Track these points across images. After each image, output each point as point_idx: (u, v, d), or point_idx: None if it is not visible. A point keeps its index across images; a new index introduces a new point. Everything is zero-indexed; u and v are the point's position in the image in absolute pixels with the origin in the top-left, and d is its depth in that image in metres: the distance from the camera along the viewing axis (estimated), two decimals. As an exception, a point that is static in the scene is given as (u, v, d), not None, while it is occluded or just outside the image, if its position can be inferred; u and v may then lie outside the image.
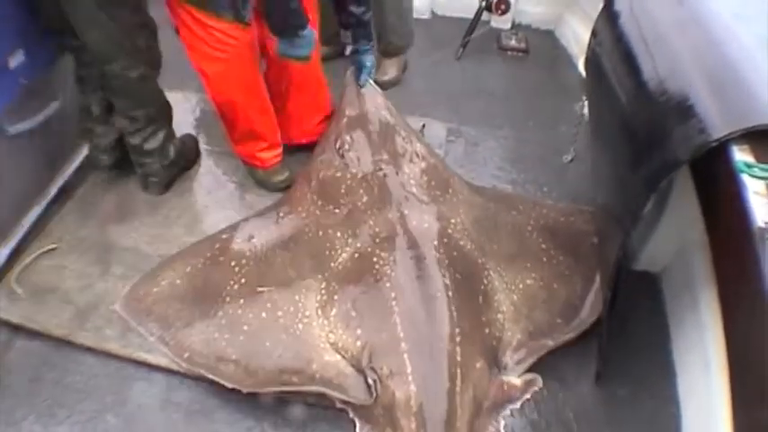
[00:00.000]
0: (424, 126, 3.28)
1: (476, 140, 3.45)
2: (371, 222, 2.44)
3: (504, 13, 4.14)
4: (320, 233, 2.51)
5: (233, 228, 2.68)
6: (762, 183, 1.71)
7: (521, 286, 2.45)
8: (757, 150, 1.80)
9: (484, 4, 4.07)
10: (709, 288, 2.09)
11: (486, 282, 2.39)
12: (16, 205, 2.74)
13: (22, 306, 2.48)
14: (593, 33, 2.73)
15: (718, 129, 1.81)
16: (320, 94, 3.10)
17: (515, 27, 4.47)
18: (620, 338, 2.35)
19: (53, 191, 2.93)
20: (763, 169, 1.72)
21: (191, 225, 2.87)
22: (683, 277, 2.41)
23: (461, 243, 2.45)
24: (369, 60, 2.88)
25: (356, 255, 2.39)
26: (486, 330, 2.24)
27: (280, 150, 3.05)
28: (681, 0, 2.52)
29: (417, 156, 2.67)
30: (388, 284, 2.24)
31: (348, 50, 2.93)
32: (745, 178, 1.72)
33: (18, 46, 2.48)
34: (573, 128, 3.26)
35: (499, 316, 2.32)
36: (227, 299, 2.38)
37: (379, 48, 3.75)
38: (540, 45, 4.34)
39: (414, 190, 2.54)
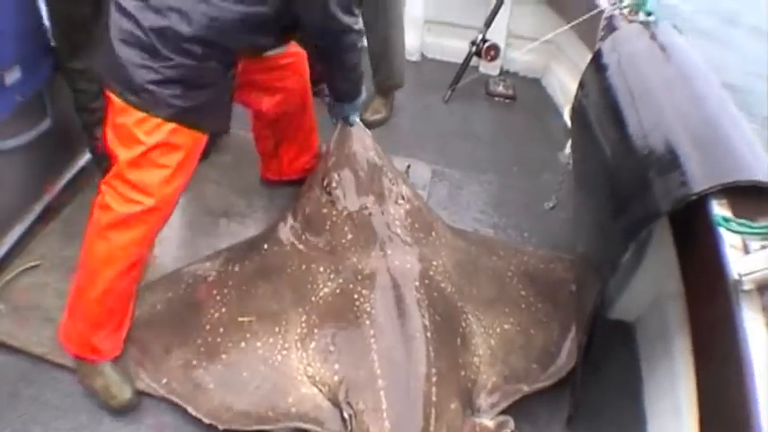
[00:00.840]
0: (409, 167, 3.32)
1: (460, 183, 3.50)
2: (355, 260, 2.45)
3: (493, 59, 4.22)
4: (303, 267, 2.52)
5: (216, 255, 2.70)
6: (738, 237, 1.76)
7: (498, 330, 2.46)
8: (735, 205, 1.86)
9: (474, 49, 4.15)
10: (683, 337, 2.13)
11: (464, 324, 2.40)
12: (1, 222, 2.74)
13: (3, 323, 2.47)
14: (581, 85, 2.80)
15: (699, 183, 1.87)
16: (312, 136, 3.12)
17: (503, 74, 4.56)
18: (593, 384, 2.36)
19: (38, 209, 2.92)
20: (740, 224, 1.78)
21: (174, 251, 2.87)
22: (658, 327, 2.44)
23: (442, 285, 2.47)
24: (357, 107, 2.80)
25: (338, 290, 2.39)
26: (463, 372, 2.25)
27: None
28: (668, 57, 2.61)
29: (403, 198, 2.67)
30: (367, 322, 2.25)
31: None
32: (723, 231, 1.78)
33: (15, 62, 2.50)
34: (557, 176, 3.32)
35: (475, 359, 2.33)
36: (207, 327, 2.38)
37: (375, 83, 3.82)
38: (527, 93, 4.42)
39: (398, 230, 2.55)
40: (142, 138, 2.04)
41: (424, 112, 4.10)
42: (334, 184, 2.65)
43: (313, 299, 2.41)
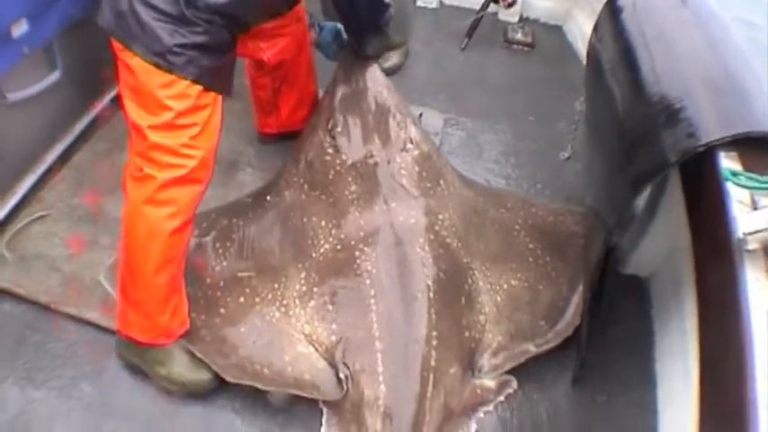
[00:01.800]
0: (421, 115, 3.27)
1: (473, 132, 3.44)
2: (357, 214, 2.38)
3: (510, 5, 4.10)
4: (304, 220, 2.45)
5: (219, 209, 2.65)
6: (746, 192, 1.70)
7: (505, 287, 2.42)
8: (746, 158, 1.80)
9: (492, -5, 4.03)
10: (695, 295, 2.08)
11: (470, 281, 2.35)
12: (13, 172, 2.76)
13: (10, 271, 2.50)
14: (595, 28, 2.73)
15: (708, 133, 1.81)
16: (310, 82, 3.05)
17: (523, 21, 4.43)
18: (602, 342, 2.34)
19: (50, 159, 2.93)
20: (749, 178, 1.72)
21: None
22: (671, 283, 2.39)
23: (448, 241, 2.40)
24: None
25: (339, 247, 2.34)
26: (466, 334, 2.22)
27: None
28: (684, 0, 2.52)
29: (411, 142, 2.54)
30: (368, 281, 2.22)
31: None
32: (730, 186, 1.72)
33: (21, 15, 2.47)
34: (572, 125, 3.25)
35: (481, 317, 2.30)
36: (207, 280, 2.37)
37: None
38: (547, 40, 4.31)
39: (404, 181, 2.45)
40: (170, 103, 1.99)
41: (440, 60, 4.02)
42: (339, 129, 2.52)
43: (314, 255, 2.36)
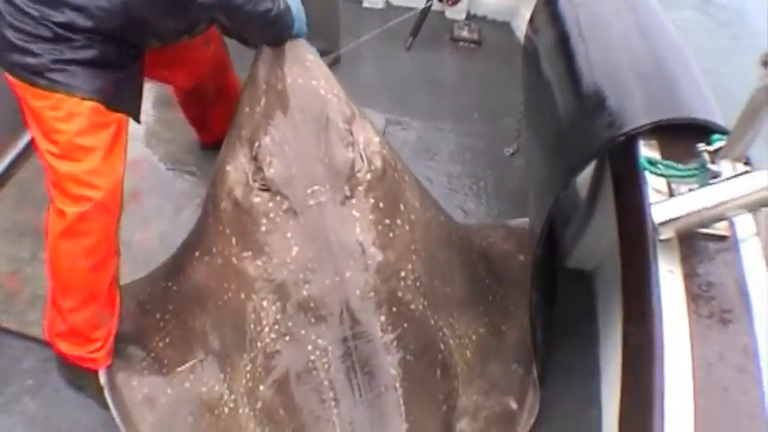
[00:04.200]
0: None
1: (417, 132, 3.41)
2: (305, 293, 1.93)
3: (455, 3, 4.08)
4: (242, 296, 2.01)
5: (156, 272, 2.41)
6: (663, 180, 1.66)
7: (474, 338, 2.21)
8: (664, 146, 1.77)
9: (432, -7, 3.98)
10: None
11: (442, 347, 2.08)
12: None
13: (-49, 287, 2.49)
14: (531, 19, 2.71)
15: (631, 122, 1.79)
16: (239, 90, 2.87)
17: (470, 18, 4.39)
18: (554, 337, 2.33)
19: None
20: (666, 166, 1.68)
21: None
22: (613, 276, 2.35)
23: (412, 307, 2.02)
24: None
25: (287, 337, 1.95)
26: (443, 408, 2.03)
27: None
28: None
29: (363, 159, 2.01)
30: (325, 382, 1.90)
31: None
32: (647, 175, 1.68)
33: None
34: (517, 121, 3.21)
35: (455, 383, 2.11)
36: (152, 354, 2.20)
37: None
38: (495, 37, 4.27)
39: (357, 231, 1.96)
40: (61, 126, 1.88)
41: (385, 60, 3.96)
42: (268, 159, 1.95)
43: (259, 344, 1.99)
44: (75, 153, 1.91)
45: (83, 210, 1.94)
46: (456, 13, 4.34)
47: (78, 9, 1.81)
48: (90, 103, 1.88)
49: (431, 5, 4.01)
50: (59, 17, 1.80)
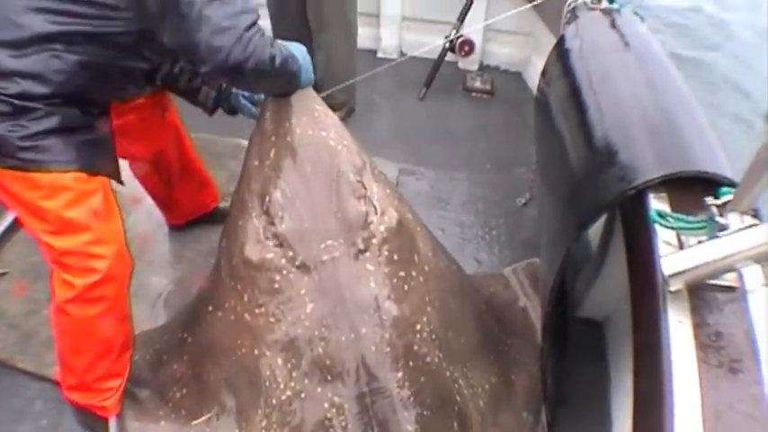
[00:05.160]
0: None
1: (430, 181, 3.44)
2: (320, 350, 1.88)
3: (468, 54, 4.16)
4: (256, 352, 1.96)
5: (176, 319, 2.43)
6: (673, 233, 1.68)
7: (487, 387, 2.17)
8: (674, 199, 1.78)
9: (448, 45, 4.07)
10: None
11: (458, 399, 2.02)
12: None
13: (-31, 328, 2.51)
14: (543, 71, 2.75)
15: (641, 175, 1.80)
16: (200, 165, 2.85)
17: (483, 69, 4.48)
18: (565, 385, 2.31)
19: (8, 218, 2.93)
20: (676, 219, 1.69)
21: (140, 254, 2.76)
22: (624, 325, 2.36)
23: (428, 360, 1.97)
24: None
25: (303, 394, 1.89)
26: None
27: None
28: (628, 44, 2.54)
29: (376, 212, 1.96)
30: None
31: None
32: (657, 228, 1.70)
33: None
34: (530, 171, 3.25)
35: None
36: (169, 404, 2.20)
37: None
38: (507, 87, 4.35)
39: (372, 285, 1.91)
40: (45, 204, 1.81)
41: (398, 110, 4.04)
42: (280, 214, 1.91)
43: (274, 401, 1.93)
44: (70, 226, 1.85)
45: (92, 281, 1.90)
46: (469, 64, 4.43)
47: (32, 77, 1.72)
48: (71, 174, 1.82)
49: (444, 56, 4.09)
50: (13, 88, 1.71)
